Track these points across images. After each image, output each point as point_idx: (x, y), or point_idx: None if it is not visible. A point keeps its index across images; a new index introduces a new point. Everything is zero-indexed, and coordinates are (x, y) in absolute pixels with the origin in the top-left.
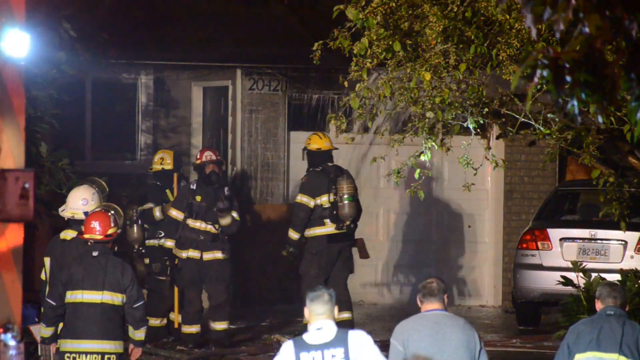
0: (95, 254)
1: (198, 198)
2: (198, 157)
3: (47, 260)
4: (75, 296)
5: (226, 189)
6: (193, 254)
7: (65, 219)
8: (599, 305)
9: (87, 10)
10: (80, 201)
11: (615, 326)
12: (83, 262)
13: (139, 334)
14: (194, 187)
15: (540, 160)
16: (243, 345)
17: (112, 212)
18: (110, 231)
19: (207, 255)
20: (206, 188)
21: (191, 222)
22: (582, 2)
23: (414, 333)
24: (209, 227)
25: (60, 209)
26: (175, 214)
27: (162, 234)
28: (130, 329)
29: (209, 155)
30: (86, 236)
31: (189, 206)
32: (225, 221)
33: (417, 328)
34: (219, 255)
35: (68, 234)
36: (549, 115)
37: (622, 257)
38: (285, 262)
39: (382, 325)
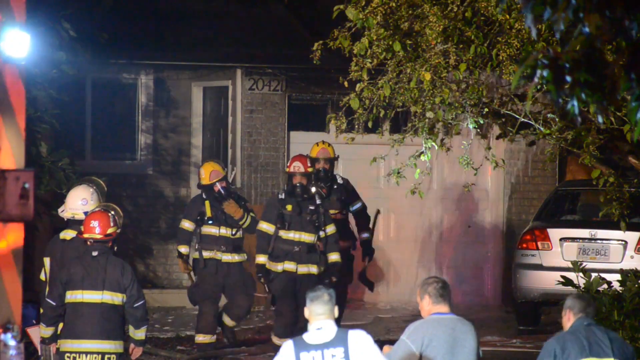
0: (95, 253)
1: (289, 207)
2: (288, 164)
3: (46, 261)
4: (75, 296)
5: (317, 197)
6: (289, 266)
7: (65, 219)
8: (570, 317)
9: (87, 10)
10: (79, 201)
11: (599, 334)
12: (83, 262)
13: (139, 334)
14: (282, 196)
15: (540, 160)
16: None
17: (112, 212)
18: (109, 230)
19: (302, 269)
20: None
21: (284, 234)
22: (582, 2)
23: (434, 339)
24: (304, 237)
25: (59, 210)
26: (266, 227)
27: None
28: (131, 328)
29: (297, 166)
30: (86, 235)
31: (281, 217)
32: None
33: (437, 334)
34: (313, 269)
35: (68, 234)
36: (549, 115)
37: (622, 257)
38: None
39: (382, 325)
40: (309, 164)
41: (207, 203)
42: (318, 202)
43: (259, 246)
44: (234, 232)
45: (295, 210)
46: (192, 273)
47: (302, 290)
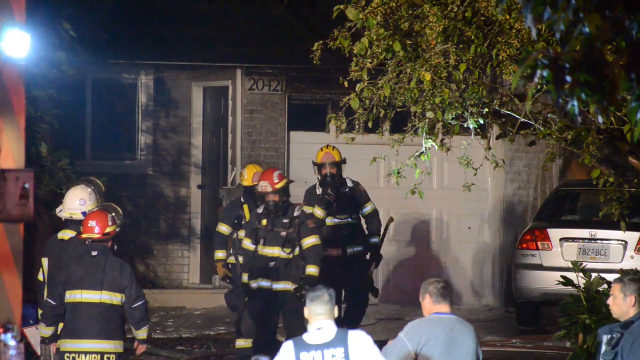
0: (94, 253)
1: (264, 222)
2: (255, 181)
3: (44, 261)
4: (75, 296)
5: (296, 209)
6: (264, 283)
7: (63, 219)
8: (636, 305)
9: (87, 10)
10: (77, 201)
11: None
12: (82, 262)
13: (141, 334)
14: (260, 210)
15: (540, 160)
16: None
17: (112, 212)
18: (108, 230)
19: (278, 286)
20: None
21: (260, 249)
22: (582, 2)
23: (431, 338)
24: (277, 252)
25: (57, 210)
26: (247, 243)
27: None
28: (132, 328)
29: (263, 186)
30: (84, 235)
31: (255, 232)
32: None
33: (435, 333)
34: (289, 286)
35: (66, 234)
36: (549, 115)
37: (622, 257)
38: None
39: (382, 325)
40: (275, 180)
41: (245, 207)
42: (296, 214)
43: (242, 264)
44: None
45: (270, 225)
46: (228, 279)
47: (284, 305)
